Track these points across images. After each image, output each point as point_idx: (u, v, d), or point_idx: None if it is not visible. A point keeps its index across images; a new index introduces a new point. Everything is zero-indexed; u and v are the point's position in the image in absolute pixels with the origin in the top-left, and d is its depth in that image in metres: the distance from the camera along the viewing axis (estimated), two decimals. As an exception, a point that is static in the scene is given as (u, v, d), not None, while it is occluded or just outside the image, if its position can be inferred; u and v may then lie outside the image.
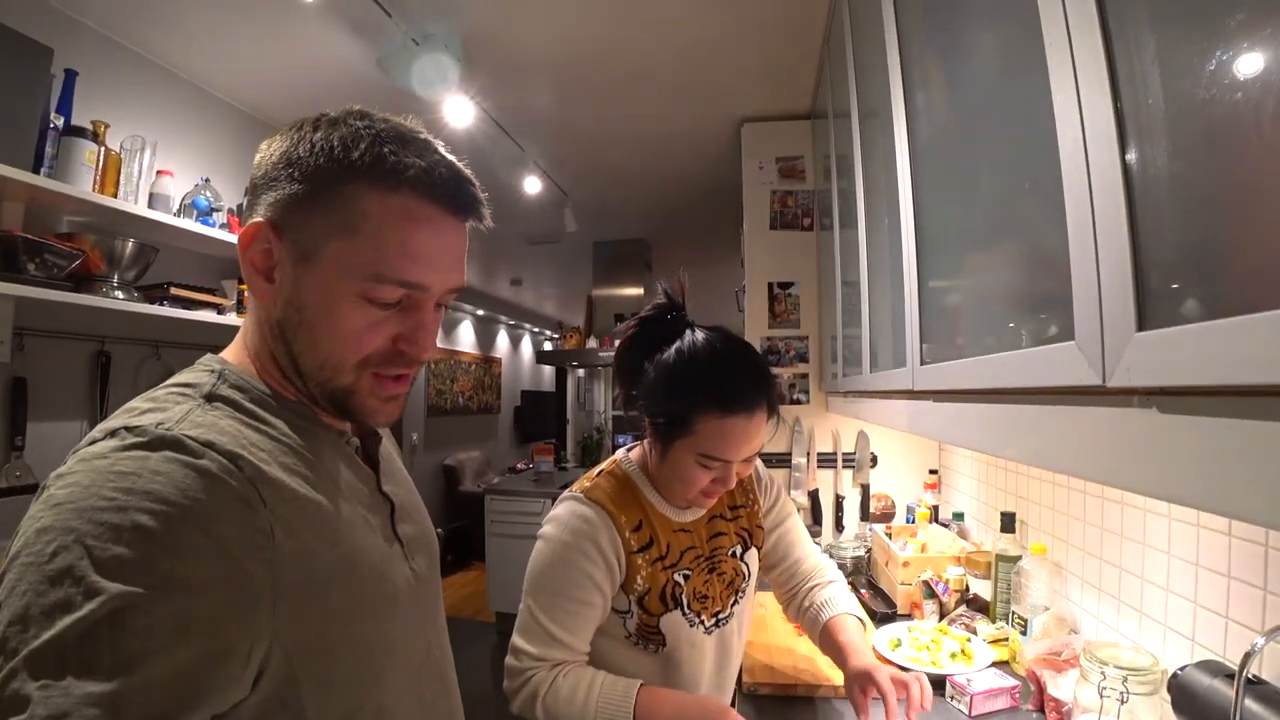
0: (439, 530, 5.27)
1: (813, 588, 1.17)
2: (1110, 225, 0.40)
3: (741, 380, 0.95)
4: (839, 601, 1.13)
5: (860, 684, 0.97)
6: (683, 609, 1.02)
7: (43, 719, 0.37)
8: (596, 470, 1.09)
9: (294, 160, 0.54)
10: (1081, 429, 0.47)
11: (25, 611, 0.40)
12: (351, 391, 0.57)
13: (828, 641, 1.09)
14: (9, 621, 0.40)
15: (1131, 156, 0.38)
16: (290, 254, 0.55)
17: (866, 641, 1.07)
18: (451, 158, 0.58)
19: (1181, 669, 0.78)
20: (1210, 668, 0.76)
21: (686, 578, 1.03)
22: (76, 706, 0.38)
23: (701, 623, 1.04)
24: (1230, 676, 0.73)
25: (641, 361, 1.00)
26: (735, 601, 1.09)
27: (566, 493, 1.04)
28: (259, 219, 0.55)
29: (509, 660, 0.97)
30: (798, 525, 1.21)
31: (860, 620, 1.12)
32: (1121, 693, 0.87)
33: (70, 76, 1.69)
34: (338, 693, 0.53)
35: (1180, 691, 0.76)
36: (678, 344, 0.98)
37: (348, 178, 0.53)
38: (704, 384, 0.94)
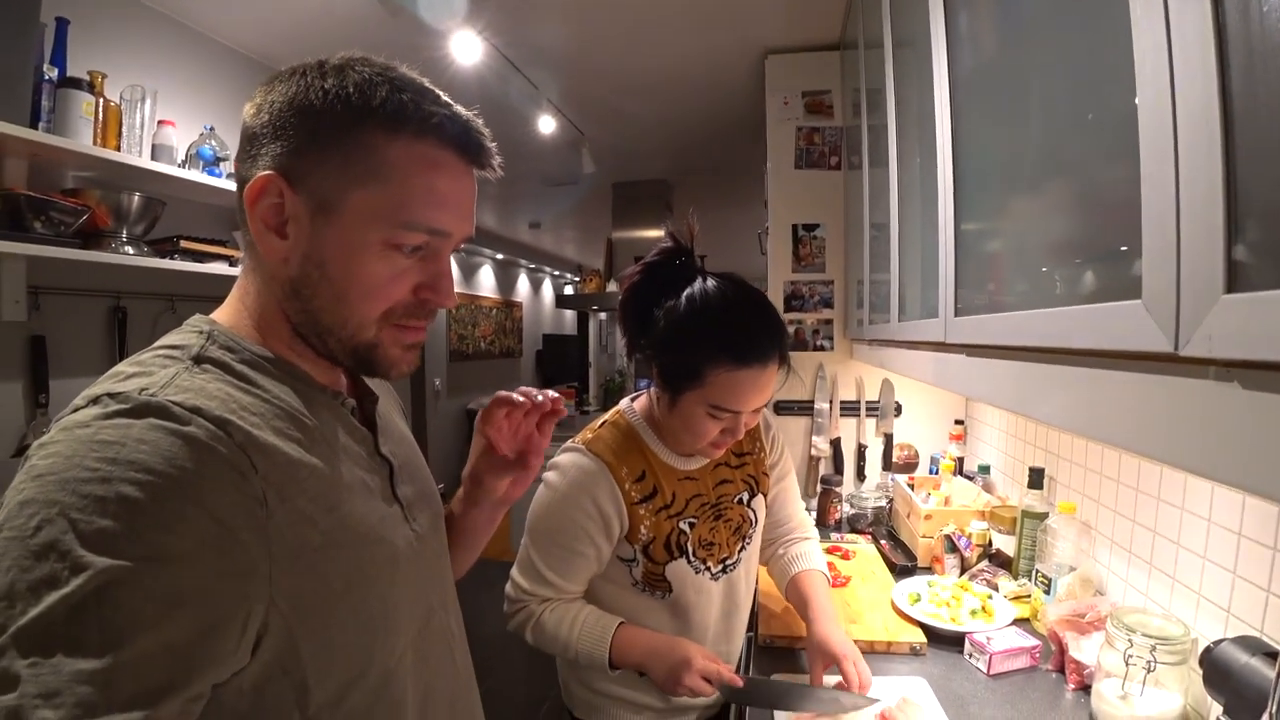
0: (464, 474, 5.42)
1: (790, 541, 1.22)
2: (1198, 166, 0.33)
3: (754, 330, 0.91)
4: (812, 557, 1.18)
5: (824, 658, 1.00)
6: (688, 557, 1.02)
7: (34, 697, 0.37)
8: (599, 421, 1.08)
9: (304, 108, 0.52)
10: (1140, 399, 0.42)
11: (11, 588, 0.39)
12: (375, 344, 0.57)
13: (794, 591, 1.14)
14: None
15: (1234, 80, 0.31)
16: (306, 206, 0.53)
17: (832, 604, 1.12)
18: (460, 107, 0.57)
19: (1217, 643, 0.74)
20: (1249, 644, 0.72)
21: (692, 525, 1.03)
22: (68, 684, 0.38)
23: (707, 569, 1.04)
24: (1270, 655, 0.69)
25: (648, 308, 0.97)
26: (743, 548, 1.09)
27: (569, 442, 1.05)
28: (266, 171, 0.52)
29: (507, 588, 1.04)
30: (793, 485, 1.25)
31: (827, 579, 1.18)
32: (1149, 661, 0.84)
33: (62, 25, 1.61)
34: (339, 657, 0.53)
35: (1214, 666, 0.73)
36: (688, 291, 0.94)
37: (368, 125, 0.52)
38: (716, 334, 0.91)
